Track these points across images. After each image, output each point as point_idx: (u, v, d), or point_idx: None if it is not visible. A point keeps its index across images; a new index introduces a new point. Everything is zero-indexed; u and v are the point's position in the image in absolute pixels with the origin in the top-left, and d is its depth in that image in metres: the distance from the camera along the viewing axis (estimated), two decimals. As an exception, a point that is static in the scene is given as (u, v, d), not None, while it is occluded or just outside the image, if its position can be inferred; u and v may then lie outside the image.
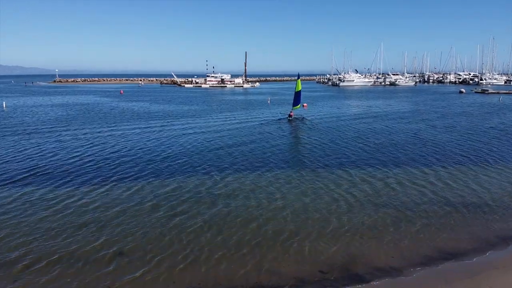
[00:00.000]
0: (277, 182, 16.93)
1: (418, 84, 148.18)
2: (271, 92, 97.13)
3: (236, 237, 11.51)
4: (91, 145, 25.30)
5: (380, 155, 22.40)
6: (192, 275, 9.56)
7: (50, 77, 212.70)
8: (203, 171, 18.91)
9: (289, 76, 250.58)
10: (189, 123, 36.52)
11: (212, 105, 57.84)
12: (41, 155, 22.17)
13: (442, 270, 9.98)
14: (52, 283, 9.21)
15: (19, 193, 15.36)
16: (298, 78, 43.14)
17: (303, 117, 41.98)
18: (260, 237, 11.54)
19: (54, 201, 14.49)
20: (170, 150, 23.64)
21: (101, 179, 17.46)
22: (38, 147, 24.50)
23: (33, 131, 31.53)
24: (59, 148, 24.17)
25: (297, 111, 43.10)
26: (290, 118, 40.57)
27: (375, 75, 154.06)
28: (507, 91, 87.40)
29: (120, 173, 18.50)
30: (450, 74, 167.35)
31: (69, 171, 18.75)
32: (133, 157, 21.69)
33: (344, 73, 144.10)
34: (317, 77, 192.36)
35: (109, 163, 20.28)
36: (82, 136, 28.38)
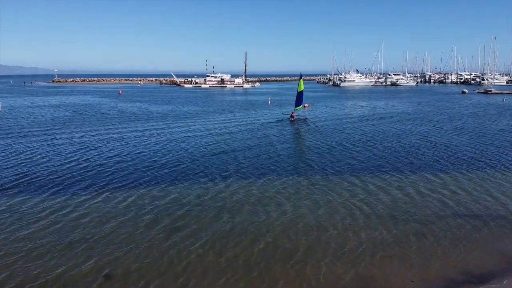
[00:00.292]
0: (285, 191, 15.74)
1: (419, 84, 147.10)
2: (271, 92, 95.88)
3: (243, 258, 10.30)
4: (86, 149, 24.09)
5: (391, 160, 21.23)
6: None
7: (49, 77, 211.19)
8: (205, 178, 17.72)
9: (290, 76, 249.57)
10: (189, 125, 35.31)
11: (212, 106, 56.65)
12: (33, 161, 20.96)
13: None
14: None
15: (6, 205, 14.15)
16: (300, 78, 42.10)
17: (306, 118, 40.95)
18: (269, 258, 10.34)
19: (42, 214, 13.30)
20: (170, 155, 22.44)
21: (96, 187, 16.25)
22: (30, 151, 23.29)
23: (27, 133, 30.32)
24: (53, 153, 22.96)
25: (300, 111, 42.10)
26: (292, 119, 39.61)
27: (376, 75, 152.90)
28: (510, 92, 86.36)
29: (116, 180, 17.30)
30: (451, 74, 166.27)
31: (61, 178, 17.54)
32: (130, 163, 20.49)
33: (345, 73, 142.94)
34: (318, 77, 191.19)
35: (104, 169, 19.08)
36: (78, 140, 27.15)
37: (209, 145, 25.45)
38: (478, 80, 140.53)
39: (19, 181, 17.02)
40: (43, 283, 9.09)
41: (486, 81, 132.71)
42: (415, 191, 15.81)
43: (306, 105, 51.00)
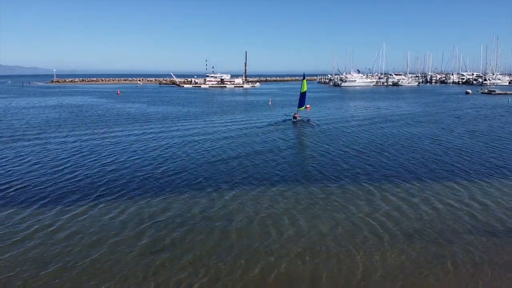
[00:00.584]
0: (285, 202, 14.44)
1: (421, 84, 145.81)
2: (272, 92, 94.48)
3: (240, 287, 9.02)
4: (78, 153, 22.82)
5: (399, 167, 19.96)
6: None
7: (48, 77, 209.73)
8: (198, 186, 16.43)
9: (290, 76, 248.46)
10: (189, 128, 34.03)
11: (212, 107, 55.39)
12: (22, 168, 19.67)
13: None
14: None
15: (-16, 219, 12.91)
16: (304, 78, 41.01)
17: (309, 119, 39.85)
18: (270, 287, 9.07)
19: (19, 228, 12.06)
20: (169, 161, 21.15)
21: (82, 197, 15.00)
22: (20, 158, 22.01)
23: (19, 137, 29.06)
24: (43, 158, 21.70)
25: (302, 112, 41.02)
26: (295, 120, 38.56)
27: (377, 75, 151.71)
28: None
29: (104, 189, 16.03)
30: (452, 74, 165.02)
31: (51, 189, 16.24)
32: (125, 171, 19.18)
33: (346, 73, 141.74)
34: (318, 77, 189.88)
35: (94, 177, 17.80)
36: (71, 145, 25.81)
37: (211, 150, 24.14)
38: (480, 80, 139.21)
39: (4, 192, 15.74)
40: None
41: (488, 82, 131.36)
42: (426, 203, 14.52)
43: (308, 106, 49.91)
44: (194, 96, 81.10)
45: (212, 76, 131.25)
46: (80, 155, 22.56)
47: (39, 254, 10.47)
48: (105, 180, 17.24)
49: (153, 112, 47.49)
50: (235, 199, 14.86)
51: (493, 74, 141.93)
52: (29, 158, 21.81)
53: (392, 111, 49.05)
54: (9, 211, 13.61)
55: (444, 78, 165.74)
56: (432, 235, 11.84)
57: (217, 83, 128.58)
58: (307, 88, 41.29)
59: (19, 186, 16.49)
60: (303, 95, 39.74)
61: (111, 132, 31.04)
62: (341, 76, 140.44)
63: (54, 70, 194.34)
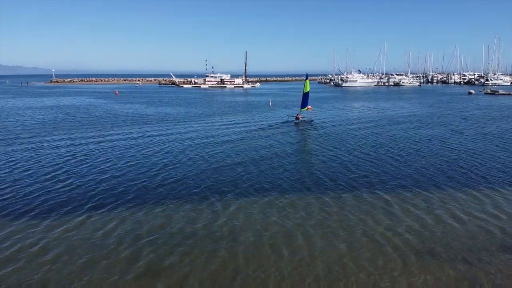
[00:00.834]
0: (296, 215, 13.21)
1: (422, 84, 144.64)
2: (272, 93, 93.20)
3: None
4: (72, 159, 21.55)
5: (414, 173, 18.73)
6: None
7: (48, 77, 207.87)
8: (200, 196, 15.20)
9: (290, 76, 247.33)
10: (188, 131, 32.77)
11: (212, 108, 54.12)
12: (10, 174, 18.44)
13: None
14: None
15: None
16: (307, 78, 39.95)
17: (312, 120, 38.76)
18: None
19: (3, 246, 10.82)
20: (163, 166, 19.92)
21: (74, 209, 13.76)
22: (10, 162, 20.80)
23: (11, 139, 27.82)
24: (34, 164, 20.42)
25: (304, 113, 39.92)
26: (297, 121, 37.47)
27: (378, 75, 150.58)
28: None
29: (98, 200, 14.79)
30: (454, 74, 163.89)
31: (36, 197, 15.02)
32: (118, 177, 17.94)
33: (347, 73, 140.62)
34: (319, 77, 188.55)
35: (87, 186, 16.54)
36: (65, 149, 24.44)
37: (213, 154, 22.83)
38: (482, 80, 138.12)
39: (-12, 201, 14.51)
40: None
41: (490, 82, 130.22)
42: (448, 215, 13.34)
43: (309, 106, 48.80)
44: (194, 97, 79.83)
45: (212, 76, 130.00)
46: (74, 160, 21.29)
47: (17, 281, 9.22)
48: (100, 190, 15.99)
49: (152, 113, 46.23)
50: (241, 211, 13.63)
51: (495, 74, 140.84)
52: (20, 164, 20.53)
53: (397, 112, 47.84)
54: (-8, 225, 12.38)
55: (445, 78, 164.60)
56: (461, 253, 10.64)
57: (217, 83, 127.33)
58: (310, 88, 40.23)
59: (5, 197, 15.18)
60: (306, 95, 38.63)
61: (108, 135, 29.77)
62: (342, 76, 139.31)
63: (53, 70, 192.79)
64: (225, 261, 10.13)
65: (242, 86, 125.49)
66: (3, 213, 13.44)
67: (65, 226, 12.25)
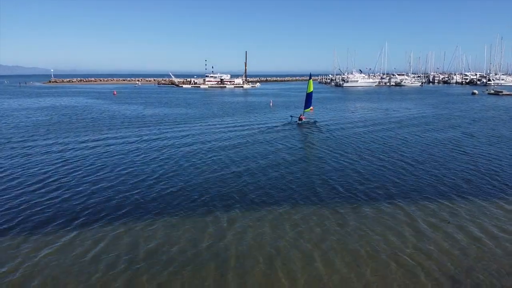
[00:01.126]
0: (311, 234, 11.76)
1: (424, 84, 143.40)
2: (272, 93, 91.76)
3: None
4: (64, 166, 20.07)
5: (432, 180, 17.34)
6: None
7: (47, 77, 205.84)
8: (203, 209, 13.78)
9: (290, 76, 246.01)
10: (187, 134, 31.30)
11: (211, 109, 52.67)
12: (-4, 182, 17.02)
13: None
14: None
15: None
16: (310, 78, 38.63)
17: (315, 121, 37.48)
18: None
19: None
20: (162, 173, 18.49)
21: (61, 223, 12.37)
22: (-3, 169, 19.39)
23: (2, 143, 26.36)
24: (24, 172, 18.96)
25: (307, 114, 38.68)
26: (300, 122, 36.25)
27: (379, 75, 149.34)
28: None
29: (88, 212, 13.39)
30: (455, 74, 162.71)
31: (21, 211, 13.58)
32: (111, 186, 16.48)
33: (348, 73, 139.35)
34: (319, 77, 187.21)
35: (77, 196, 15.11)
36: (56, 155, 22.90)
37: (212, 162, 21.30)
38: (484, 80, 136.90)
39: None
40: None
41: (492, 82, 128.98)
42: (480, 230, 11.99)
43: (311, 107, 47.60)
44: (193, 97, 78.37)
45: (212, 76, 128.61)
46: (66, 167, 19.82)
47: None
48: (91, 202, 14.54)
49: (150, 115, 44.75)
50: (249, 228, 12.18)
51: (497, 74, 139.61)
52: (8, 171, 19.07)
53: (403, 114, 46.43)
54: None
55: (447, 78, 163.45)
56: (501, 279, 9.25)
57: (217, 84, 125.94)
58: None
59: (-12, 209, 13.79)
60: (309, 95, 37.45)
61: (103, 139, 28.29)
62: (343, 76, 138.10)
63: (52, 70, 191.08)
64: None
65: (242, 86, 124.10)
66: (-17, 230, 12.02)
67: (50, 247, 10.81)
